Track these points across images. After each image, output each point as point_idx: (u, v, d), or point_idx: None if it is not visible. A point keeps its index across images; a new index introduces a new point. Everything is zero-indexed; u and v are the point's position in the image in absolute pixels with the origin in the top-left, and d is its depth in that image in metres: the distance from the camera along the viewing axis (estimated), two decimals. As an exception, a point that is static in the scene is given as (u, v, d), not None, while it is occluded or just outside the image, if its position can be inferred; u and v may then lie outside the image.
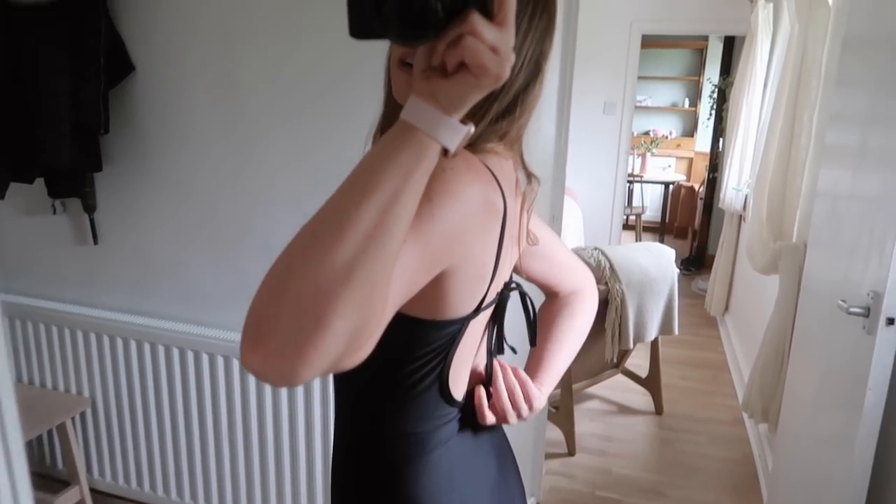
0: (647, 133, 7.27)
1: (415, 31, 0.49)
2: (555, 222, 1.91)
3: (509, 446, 0.98)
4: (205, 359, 1.96)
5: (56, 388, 2.21)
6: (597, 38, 4.73)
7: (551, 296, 1.05)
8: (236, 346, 1.91)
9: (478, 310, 0.78)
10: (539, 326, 0.98)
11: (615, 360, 2.98)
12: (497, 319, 0.86)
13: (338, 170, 1.92)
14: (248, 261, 1.95)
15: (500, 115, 0.72)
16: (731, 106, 4.24)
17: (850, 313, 1.42)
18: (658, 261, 2.90)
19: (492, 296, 0.80)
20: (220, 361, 1.95)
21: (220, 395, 1.98)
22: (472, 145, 0.70)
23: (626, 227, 6.23)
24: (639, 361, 3.34)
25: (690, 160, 7.23)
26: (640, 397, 3.30)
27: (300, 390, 1.88)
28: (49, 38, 1.81)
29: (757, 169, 3.11)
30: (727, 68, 5.59)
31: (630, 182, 6.01)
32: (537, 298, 0.98)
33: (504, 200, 0.71)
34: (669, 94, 7.38)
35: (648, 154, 6.59)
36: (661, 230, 6.62)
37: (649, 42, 5.42)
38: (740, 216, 4.02)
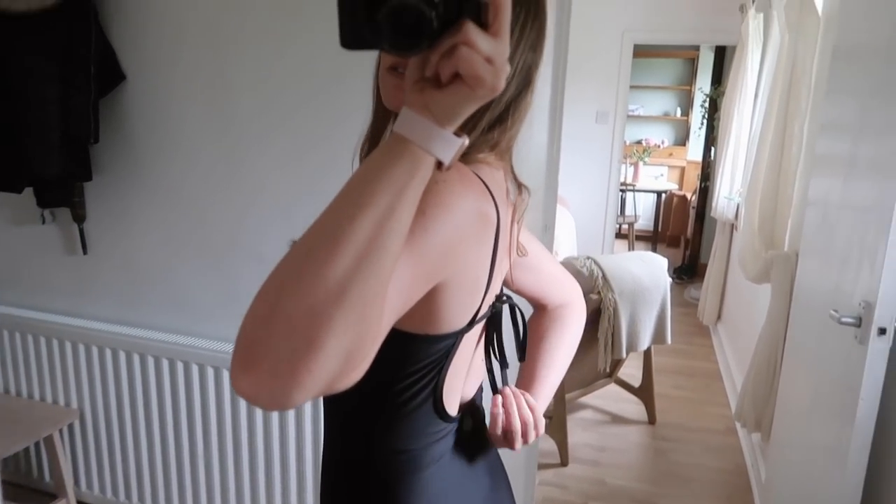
0: (639, 142, 7.30)
1: (408, 41, 0.48)
2: (547, 231, 1.90)
3: (501, 461, 0.97)
4: (194, 370, 1.94)
5: (44, 399, 2.19)
6: (589, 48, 4.76)
7: (539, 309, 1.04)
8: (226, 356, 1.89)
9: (472, 323, 0.77)
10: (529, 341, 0.98)
11: (608, 370, 2.97)
12: (494, 332, 0.85)
13: (328, 178, 1.93)
14: (238, 270, 1.93)
15: (491, 124, 0.71)
16: (722, 115, 4.26)
17: (842, 323, 1.42)
18: (650, 270, 2.90)
19: (485, 309, 0.79)
20: (209, 372, 1.93)
21: (210, 407, 1.96)
22: (464, 156, 0.69)
23: (619, 235, 6.24)
24: (632, 371, 3.33)
25: (682, 169, 7.27)
26: (633, 407, 3.29)
27: (291, 401, 1.86)
28: (39, 47, 1.80)
29: (748, 178, 3.12)
30: (718, 78, 5.63)
31: (622, 191, 6.03)
32: (525, 311, 0.97)
33: (497, 211, 0.71)
34: (661, 103, 7.42)
35: (641, 163, 6.61)
36: (654, 239, 6.64)
37: (641, 52, 5.45)
38: (732, 225, 4.03)
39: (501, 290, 0.86)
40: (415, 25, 0.47)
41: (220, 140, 1.87)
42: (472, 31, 0.47)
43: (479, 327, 0.81)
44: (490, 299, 0.79)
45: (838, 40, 1.87)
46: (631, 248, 6.32)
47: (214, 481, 2.03)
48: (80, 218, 2.03)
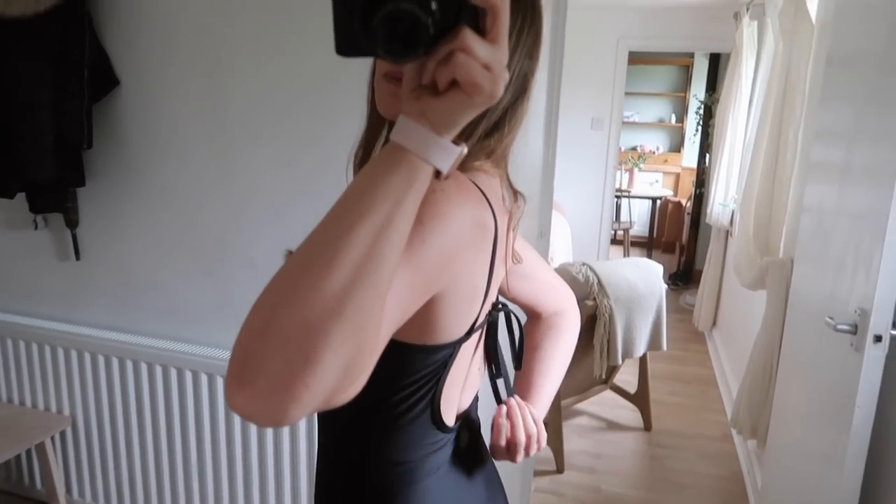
0: (634, 148, 7.32)
1: (404, 47, 0.47)
2: (543, 238, 1.90)
3: (496, 471, 0.96)
4: (188, 376, 1.93)
5: (35, 406, 2.17)
6: (584, 55, 4.78)
7: (534, 317, 1.03)
8: (220, 363, 1.88)
9: (469, 332, 0.76)
10: (524, 350, 0.97)
11: (604, 376, 2.96)
12: (490, 341, 0.85)
13: (321, 182, 1.92)
14: (232, 276, 1.92)
15: (488, 132, 0.70)
16: (717, 122, 4.28)
17: (838, 330, 1.42)
18: (646, 276, 2.90)
19: (482, 318, 0.78)
20: (203, 379, 1.91)
21: (204, 414, 1.95)
22: (461, 164, 0.69)
23: (614, 241, 6.26)
24: (627, 377, 3.33)
25: (677, 175, 7.29)
26: (628, 413, 3.28)
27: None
28: (33, 51, 1.80)
29: (743, 184, 3.13)
30: (713, 85, 5.65)
31: (618, 197, 6.04)
32: (520, 318, 0.97)
33: (495, 220, 0.70)
34: (656, 110, 7.44)
35: (636, 169, 6.63)
36: (649, 245, 6.65)
37: (636, 59, 5.47)
38: (727, 231, 4.04)
39: (497, 298, 0.86)
40: (411, 32, 0.46)
41: (213, 145, 1.86)
42: (469, 37, 0.46)
43: (476, 336, 0.80)
44: (487, 308, 0.78)
45: (832, 47, 1.88)
46: (626, 254, 6.33)
47: (208, 489, 2.01)
48: (72, 223, 2.01)
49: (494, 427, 0.88)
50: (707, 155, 5.29)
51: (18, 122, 1.83)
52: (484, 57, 0.47)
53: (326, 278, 0.48)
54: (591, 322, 2.71)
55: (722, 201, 3.99)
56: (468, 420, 0.88)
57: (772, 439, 2.18)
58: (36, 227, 2.08)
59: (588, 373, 2.84)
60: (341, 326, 0.48)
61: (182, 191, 1.93)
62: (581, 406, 3.27)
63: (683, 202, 6.36)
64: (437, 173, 0.53)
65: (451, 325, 0.73)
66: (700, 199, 5.47)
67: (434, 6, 0.46)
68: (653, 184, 7.17)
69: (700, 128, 5.80)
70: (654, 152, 7.31)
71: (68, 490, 2.20)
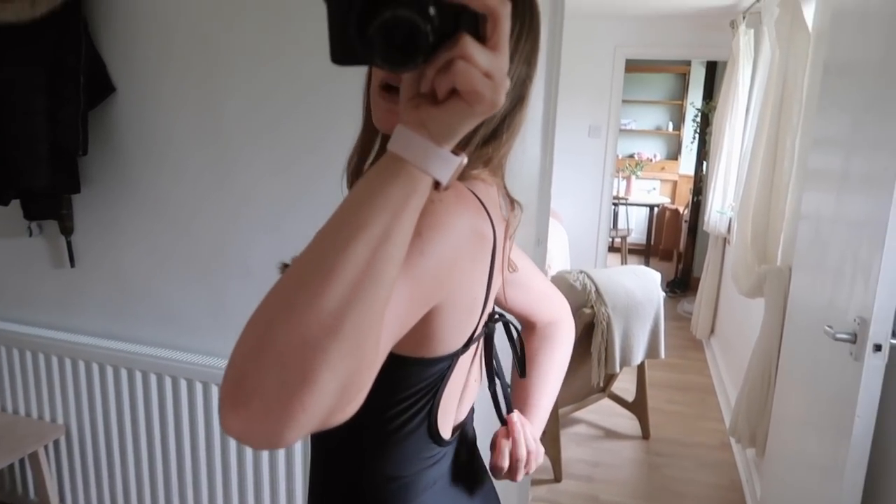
0: (631, 156, 7.33)
1: (402, 56, 0.45)
2: (540, 245, 1.89)
3: (493, 484, 0.95)
4: (183, 385, 1.91)
5: (29, 414, 2.15)
6: (581, 63, 4.79)
7: (528, 327, 1.02)
8: (215, 371, 1.87)
9: (468, 344, 0.75)
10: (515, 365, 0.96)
11: (601, 384, 2.95)
12: (487, 353, 0.84)
13: (316, 190, 1.91)
14: (227, 284, 1.91)
15: (485, 140, 0.69)
16: (714, 130, 4.28)
17: (837, 339, 1.41)
18: (644, 284, 2.89)
19: (480, 328, 0.77)
20: (198, 387, 1.90)
21: (198, 423, 1.93)
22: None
23: (612, 249, 6.25)
24: (625, 385, 3.32)
25: (675, 183, 7.30)
26: (626, 421, 3.27)
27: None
28: (27, 57, 1.79)
29: (740, 192, 3.13)
30: (710, 92, 5.67)
31: (615, 204, 6.04)
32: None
33: (493, 229, 0.69)
34: (653, 117, 7.46)
35: (633, 177, 6.63)
36: (647, 252, 6.65)
37: (633, 66, 5.49)
38: (725, 239, 4.04)
39: (494, 308, 0.85)
40: (409, 40, 0.45)
41: (208, 152, 1.85)
42: (469, 44, 0.45)
43: (473, 348, 0.79)
44: (485, 319, 0.77)
45: (829, 56, 1.88)
46: (624, 261, 6.33)
47: (202, 499, 1.99)
48: (67, 230, 2.00)
49: (497, 449, 0.86)
50: (704, 162, 5.30)
51: (13, 129, 1.82)
52: (484, 65, 0.46)
53: (323, 295, 0.46)
54: (589, 330, 2.70)
55: (719, 209, 3.99)
56: (464, 433, 0.87)
57: (771, 448, 2.17)
58: (30, 234, 2.07)
59: (586, 381, 2.83)
60: (339, 344, 0.46)
61: (177, 198, 1.92)
62: (579, 414, 3.25)
63: (681, 210, 6.37)
64: (436, 184, 0.51)
65: (450, 336, 0.72)
66: (697, 206, 5.48)
67: (433, 13, 0.45)
68: (650, 191, 7.17)
69: (697, 135, 5.82)
70: (651, 160, 7.32)
71: (62, 500, 2.18)
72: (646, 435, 3.16)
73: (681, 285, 5.75)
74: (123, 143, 1.93)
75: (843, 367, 1.45)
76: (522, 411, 0.93)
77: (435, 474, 0.80)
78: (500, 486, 0.98)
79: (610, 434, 3.20)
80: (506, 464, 0.85)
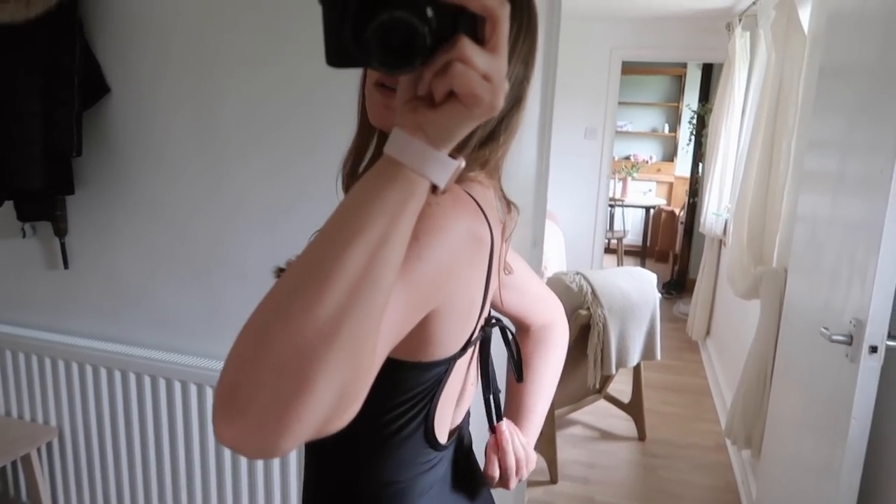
0: (627, 158, 7.34)
1: (399, 59, 0.45)
2: (536, 247, 1.89)
3: (488, 488, 0.95)
4: (177, 387, 1.90)
5: (21, 416, 2.13)
6: (578, 65, 4.79)
7: (522, 329, 1.01)
8: (209, 373, 1.86)
9: (465, 348, 0.75)
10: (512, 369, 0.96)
11: (597, 386, 2.95)
12: (483, 357, 0.83)
13: (312, 192, 1.90)
14: (222, 286, 1.90)
15: (483, 141, 0.68)
16: (710, 132, 4.29)
17: (833, 341, 1.41)
18: (640, 285, 2.89)
19: (477, 332, 0.76)
20: (192, 389, 1.89)
21: (193, 425, 1.92)
22: None
23: (608, 250, 6.26)
24: (621, 387, 3.32)
25: (671, 185, 7.31)
26: (622, 423, 3.27)
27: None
28: (22, 58, 1.78)
29: (736, 194, 3.14)
30: (706, 95, 5.68)
31: (611, 206, 6.04)
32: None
33: (491, 232, 0.68)
34: (649, 119, 7.47)
35: (629, 178, 6.64)
36: (643, 254, 6.65)
37: (629, 68, 5.49)
38: (720, 241, 4.04)
39: (490, 312, 0.84)
40: (406, 42, 0.44)
41: (204, 154, 1.85)
42: (467, 46, 0.44)
43: (470, 351, 0.78)
44: (482, 322, 0.77)
45: (825, 59, 1.88)
46: (620, 263, 6.33)
47: (196, 502, 1.98)
48: (61, 232, 1.99)
49: (487, 459, 0.86)
50: (700, 164, 5.31)
51: (7, 130, 1.81)
52: (483, 67, 0.45)
53: (319, 301, 0.45)
54: (585, 331, 2.70)
55: (715, 211, 4.00)
56: (461, 437, 0.86)
57: (766, 450, 2.17)
58: (24, 236, 2.06)
59: (582, 382, 2.83)
60: (336, 352, 0.45)
61: (172, 200, 1.91)
62: (575, 416, 3.25)
63: (677, 211, 6.38)
64: (434, 188, 0.51)
65: (447, 341, 0.71)
66: (693, 208, 5.48)
67: (430, 14, 0.44)
68: (646, 193, 7.18)
69: (693, 137, 5.83)
70: (647, 162, 7.33)
71: (54, 502, 2.16)
72: (641, 436, 3.16)
73: (677, 287, 5.76)
74: (118, 145, 1.92)
75: (838, 369, 1.45)
76: (518, 415, 0.93)
77: (431, 479, 0.79)
78: (496, 488, 0.97)
79: (606, 435, 3.20)
80: (496, 474, 0.85)
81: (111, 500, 2.10)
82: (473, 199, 0.67)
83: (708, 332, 4.33)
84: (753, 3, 3.42)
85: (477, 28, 0.46)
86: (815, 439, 1.66)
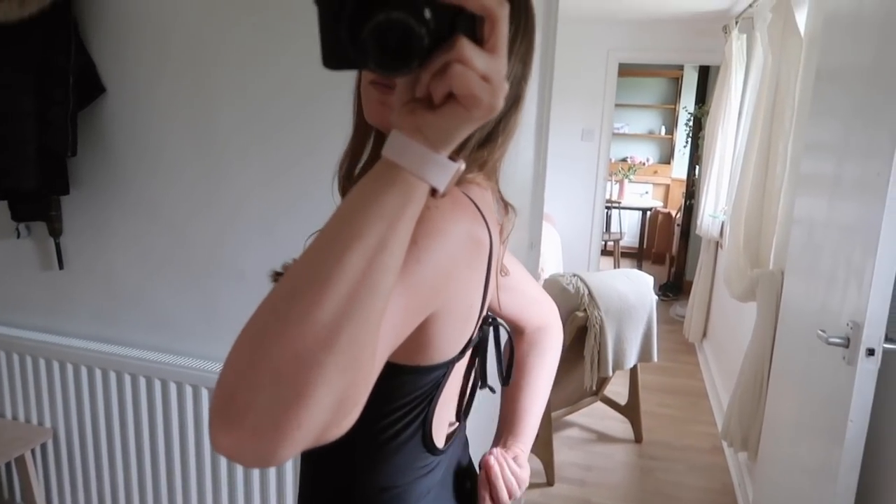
0: (624, 160, 7.35)
1: (397, 60, 0.44)
2: (533, 249, 1.89)
3: None
4: (172, 388, 1.89)
5: (16, 417, 2.12)
6: (575, 67, 4.79)
7: (517, 332, 1.01)
8: (205, 374, 1.85)
9: (464, 350, 0.74)
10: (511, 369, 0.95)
11: (594, 388, 2.95)
12: (479, 358, 0.83)
13: (311, 193, 1.90)
14: (218, 287, 1.89)
15: (481, 142, 0.68)
16: (706, 134, 4.30)
17: (830, 343, 1.41)
18: (636, 287, 2.89)
19: (476, 334, 0.76)
20: (188, 391, 1.88)
21: (189, 426, 1.91)
22: None
23: (605, 252, 6.26)
24: (618, 389, 3.31)
25: (667, 187, 7.32)
26: (619, 425, 3.26)
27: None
28: (16, 57, 1.77)
29: (733, 196, 3.14)
30: (702, 97, 5.69)
31: (608, 208, 6.05)
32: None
33: (489, 235, 0.68)
34: (646, 121, 7.48)
35: (626, 180, 6.65)
36: (639, 256, 6.66)
37: (626, 70, 5.50)
38: (717, 243, 4.05)
39: (487, 312, 0.84)
40: (403, 43, 0.43)
41: (201, 155, 1.84)
42: (466, 47, 0.44)
43: (468, 354, 0.78)
44: (479, 324, 0.76)
45: (821, 62, 1.88)
46: (616, 265, 6.33)
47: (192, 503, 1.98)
48: (56, 232, 1.98)
49: (479, 497, 0.86)
50: (697, 166, 5.32)
51: (1, 130, 1.80)
52: (482, 68, 0.44)
53: (318, 307, 0.44)
54: (582, 333, 2.70)
55: (712, 213, 4.00)
56: (458, 441, 0.86)
57: (763, 452, 2.17)
58: (18, 236, 2.05)
59: (578, 384, 2.83)
60: (335, 358, 0.45)
61: (169, 200, 1.90)
62: (571, 418, 3.24)
63: (673, 213, 6.39)
64: (433, 191, 0.50)
65: (446, 344, 0.70)
66: (690, 210, 5.49)
67: (428, 15, 0.43)
68: (643, 195, 7.19)
69: (690, 139, 5.84)
70: (644, 164, 7.34)
71: (49, 504, 2.16)
72: (638, 438, 3.16)
73: (673, 289, 5.76)
74: (114, 145, 1.91)
75: (835, 371, 1.45)
76: (513, 419, 0.92)
77: (429, 483, 0.79)
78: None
79: (602, 437, 3.20)
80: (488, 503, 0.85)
81: (106, 501, 2.08)
82: (472, 201, 0.67)
83: (704, 335, 4.33)
84: (750, 6, 3.43)
85: (475, 28, 0.45)
86: (811, 442, 1.66)
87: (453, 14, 0.44)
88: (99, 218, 1.97)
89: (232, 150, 1.81)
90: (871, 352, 1.33)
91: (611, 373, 2.79)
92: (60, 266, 2.03)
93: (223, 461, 1.90)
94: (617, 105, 5.19)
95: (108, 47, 1.84)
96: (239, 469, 1.89)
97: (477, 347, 0.81)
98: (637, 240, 6.78)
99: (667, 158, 7.45)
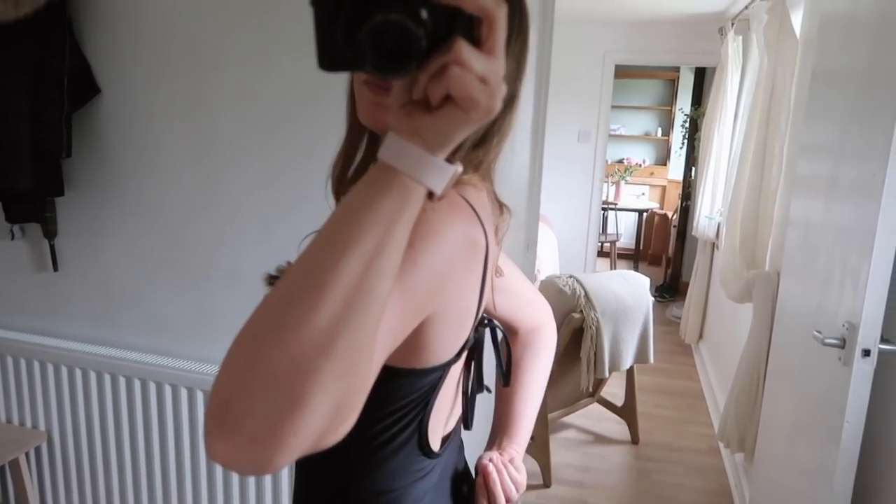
0: (620, 161, 7.36)
1: (394, 62, 0.43)
2: (530, 250, 1.89)
3: None
4: (167, 390, 1.88)
5: (10, 420, 2.11)
6: (571, 68, 4.80)
7: (511, 333, 1.00)
8: (200, 377, 1.84)
9: (460, 353, 0.74)
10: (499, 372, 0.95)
11: (591, 389, 2.95)
12: (475, 359, 0.82)
13: (308, 198, 1.89)
14: (214, 290, 1.89)
15: (476, 143, 0.67)
16: (702, 135, 4.31)
17: (826, 344, 1.41)
18: (633, 289, 2.89)
19: (472, 336, 0.76)
20: (183, 393, 1.87)
21: (183, 429, 1.90)
22: None
23: (601, 254, 6.27)
24: (614, 390, 3.31)
25: (664, 188, 7.33)
26: (616, 426, 3.26)
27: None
28: (11, 58, 1.76)
29: (729, 197, 3.14)
30: (698, 98, 5.70)
31: (604, 209, 6.05)
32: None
33: (486, 236, 0.67)
34: (642, 123, 7.50)
35: (622, 182, 6.66)
36: (636, 257, 6.67)
37: (622, 72, 5.51)
38: (713, 244, 4.05)
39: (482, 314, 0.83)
40: (401, 45, 0.42)
41: (197, 156, 1.83)
42: (464, 48, 0.43)
43: (464, 356, 0.77)
44: (475, 326, 0.76)
45: (817, 63, 1.89)
46: (613, 266, 6.34)
47: (187, 506, 1.97)
48: (51, 234, 1.97)
49: (476, 501, 0.86)
50: (693, 168, 5.33)
51: (-4, 131, 1.79)
52: (480, 70, 0.43)
53: (314, 313, 0.44)
54: (578, 335, 2.70)
55: (708, 214, 4.01)
56: (453, 444, 0.85)
57: (759, 453, 2.17)
58: (13, 238, 2.04)
59: (575, 386, 2.83)
60: (332, 364, 0.44)
61: (165, 202, 1.89)
62: (568, 419, 3.24)
63: (670, 215, 6.40)
64: (430, 194, 0.49)
65: (442, 347, 0.70)
66: (686, 211, 5.50)
67: (425, 16, 0.43)
68: (639, 196, 7.20)
69: (686, 141, 5.85)
70: (640, 165, 7.35)
71: (43, 508, 2.14)
72: (635, 440, 3.16)
73: (670, 290, 5.77)
74: (109, 146, 1.90)
75: (831, 372, 1.45)
76: (507, 420, 0.92)
77: (424, 487, 0.78)
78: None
79: (599, 439, 3.20)
80: None
81: (100, 505, 2.08)
82: (468, 202, 0.67)
83: (701, 336, 4.34)
84: (746, 8, 3.43)
85: (473, 30, 0.44)
86: (808, 442, 1.66)
87: (450, 15, 0.44)
88: (94, 219, 1.96)
89: (229, 152, 1.80)
90: (866, 352, 1.33)
91: (607, 374, 2.79)
92: (55, 268, 2.02)
93: (218, 465, 1.89)
94: (613, 107, 5.20)
95: (103, 48, 1.83)
96: (234, 473, 1.87)
97: (473, 349, 0.80)
98: (633, 241, 6.79)
99: (663, 160, 7.46)
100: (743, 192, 2.71)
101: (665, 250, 6.30)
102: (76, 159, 1.89)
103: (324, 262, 0.45)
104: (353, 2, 0.43)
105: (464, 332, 0.72)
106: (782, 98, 2.46)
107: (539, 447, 2.73)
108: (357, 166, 0.77)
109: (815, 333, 1.46)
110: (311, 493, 0.81)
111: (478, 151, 0.68)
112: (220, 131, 1.80)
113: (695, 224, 4.27)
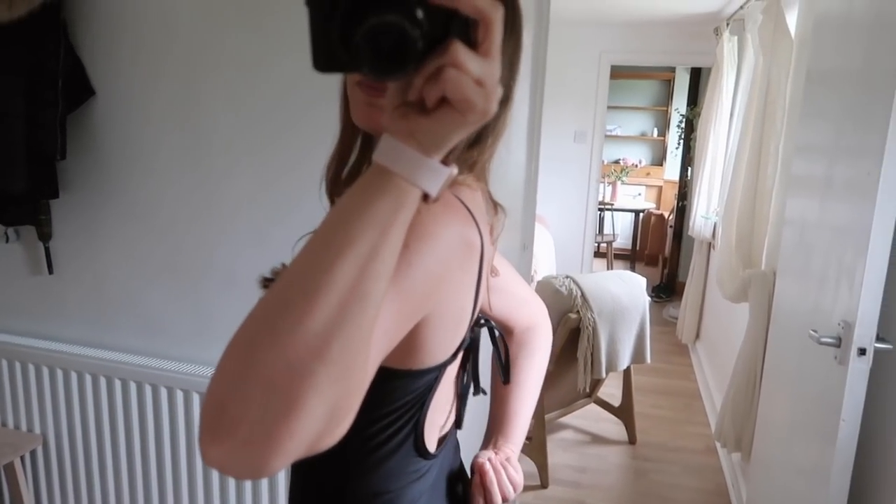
0: (617, 161, 7.37)
1: (390, 64, 0.43)
2: (526, 251, 1.89)
3: None
4: (163, 393, 1.88)
5: (5, 424, 2.10)
6: (567, 69, 4.81)
7: (506, 332, 1.00)
8: (196, 379, 1.84)
9: (456, 353, 0.74)
10: (498, 370, 0.95)
11: (588, 390, 2.95)
12: (471, 360, 0.82)
13: (305, 200, 1.89)
14: (210, 293, 1.88)
15: (470, 143, 0.67)
16: (698, 135, 4.32)
17: (822, 343, 1.41)
18: (629, 289, 2.89)
19: (468, 337, 0.75)
20: (179, 396, 1.86)
21: (180, 432, 1.89)
22: None
23: (598, 254, 6.27)
24: (611, 390, 3.32)
25: (660, 188, 7.35)
26: (613, 426, 3.26)
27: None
28: (5, 60, 1.75)
29: (725, 197, 3.15)
30: (694, 99, 5.71)
31: (601, 210, 6.06)
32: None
33: (481, 237, 0.67)
34: (638, 123, 7.51)
35: (619, 182, 6.67)
36: (632, 257, 6.68)
37: (618, 73, 5.52)
38: (710, 244, 4.06)
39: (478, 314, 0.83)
40: (397, 47, 0.42)
41: (193, 158, 1.83)
42: (460, 50, 0.43)
43: (460, 357, 0.77)
44: (471, 326, 0.76)
45: (812, 63, 1.89)
46: (609, 266, 6.35)
47: (184, 509, 1.96)
48: (45, 236, 1.96)
49: (473, 502, 0.86)
50: (689, 168, 5.34)
51: (-10, 133, 1.78)
52: (476, 72, 0.43)
53: (309, 317, 0.44)
54: (575, 335, 2.70)
55: (704, 214, 4.01)
56: (449, 445, 0.85)
57: (756, 452, 2.17)
58: (7, 240, 2.03)
59: (572, 386, 2.83)
60: (327, 367, 0.44)
61: (160, 205, 1.88)
62: (565, 420, 3.24)
63: (666, 215, 6.41)
64: (425, 196, 0.49)
65: (438, 347, 0.70)
66: (682, 211, 5.51)
67: (421, 17, 0.42)
68: (635, 197, 7.21)
69: (682, 141, 5.86)
70: (636, 165, 7.36)
71: (39, 511, 2.14)
72: (632, 440, 3.16)
73: (666, 290, 5.78)
74: (104, 148, 1.89)
75: (827, 371, 1.45)
76: (503, 420, 0.92)
77: (421, 488, 0.78)
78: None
79: (596, 439, 3.20)
80: None
81: (96, 509, 2.07)
82: (463, 203, 0.66)
83: (697, 336, 4.34)
84: (741, 8, 3.44)
85: (469, 32, 0.44)
86: (804, 442, 1.66)
87: (447, 17, 0.44)
88: (89, 222, 1.96)
89: (225, 155, 1.80)
90: (862, 351, 1.34)
91: (604, 374, 2.79)
92: (50, 271, 2.01)
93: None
94: (609, 107, 5.20)
95: (97, 49, 1.83)
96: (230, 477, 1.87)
97: (468, 350, 0.80)
98: (630, 241, 6.80)
99: (659, 160, 7.48)
100: (739, 191, 2.72)
101: (661, 250, 6.31)
102: (71, 161, 1.88)
103: (318, 266, 0.45)
104: (348, 2, 0.43)
105: (459, 332, 0.72)
106: (777, 98, 2.47)
107: (536, 448, 2.73)
108: (351, 167, 0.77)
109: (811, 332, 1.46)
110: (308, 495, 0.80)
111: (472, 151, 0.68)
112: (216, 133, 1.79)
113: (691, 224, 4.28)
